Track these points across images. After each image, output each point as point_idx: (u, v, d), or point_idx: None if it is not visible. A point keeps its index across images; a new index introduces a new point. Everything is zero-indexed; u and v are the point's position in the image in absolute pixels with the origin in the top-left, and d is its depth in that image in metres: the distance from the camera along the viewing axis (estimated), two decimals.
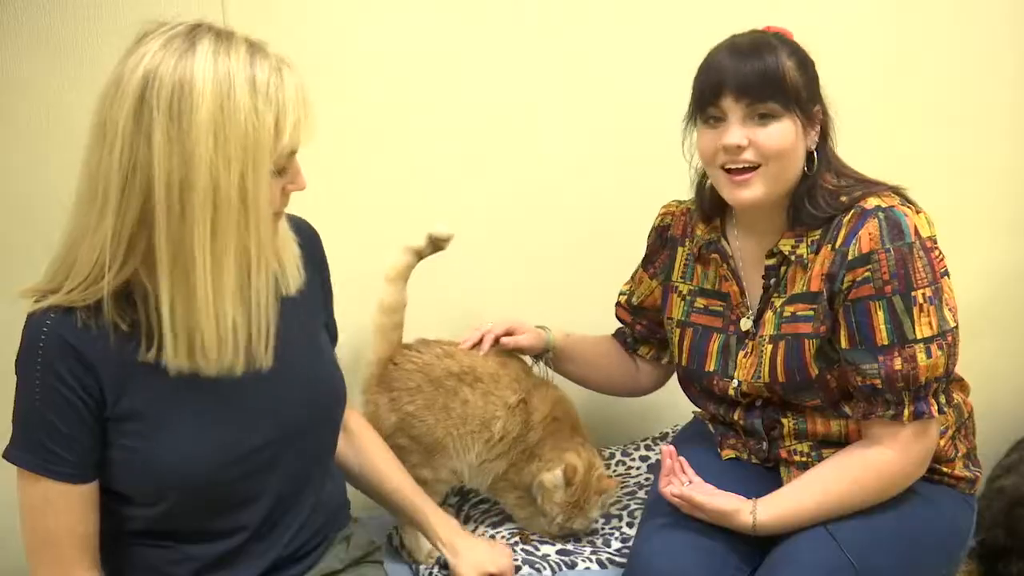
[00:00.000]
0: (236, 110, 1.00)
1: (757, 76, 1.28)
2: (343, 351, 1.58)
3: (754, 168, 1.30)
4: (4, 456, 1.12)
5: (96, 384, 1.09)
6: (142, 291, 1.08)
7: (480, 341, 1.58)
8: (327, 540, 1.31)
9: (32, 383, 1.09)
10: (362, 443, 1.43)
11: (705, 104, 1.32)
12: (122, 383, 1.10)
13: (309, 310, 1.27)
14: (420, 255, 1.54)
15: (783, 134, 1.29)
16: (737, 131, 1.29)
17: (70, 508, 1.12)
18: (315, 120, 1.08)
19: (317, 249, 1.32)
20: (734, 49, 1.31)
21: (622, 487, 1.73)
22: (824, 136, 1.36)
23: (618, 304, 1.67)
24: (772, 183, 1.31)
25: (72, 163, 1.26)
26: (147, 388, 1.11)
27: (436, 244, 1.52)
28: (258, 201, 1.03)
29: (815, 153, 1.34)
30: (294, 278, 1.20)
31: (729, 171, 1.32)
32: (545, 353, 1.64)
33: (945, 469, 1.40)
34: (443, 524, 1.43)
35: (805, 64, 1.33)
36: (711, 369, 1.46)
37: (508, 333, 1.60)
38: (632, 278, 1.64)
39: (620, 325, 1.69)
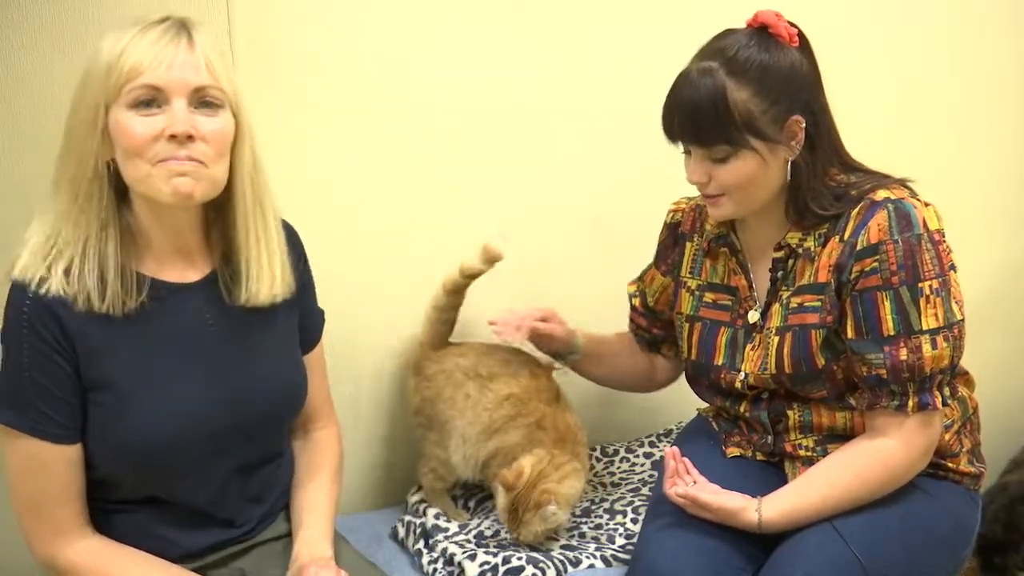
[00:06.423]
0: (99, 59, 1.11)
1: (697, 126, 1.29)
2: (336, 348, 1.57)
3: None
4: None
5: (73, 351, 1.13)
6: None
7: (518, 327, 1.54)
8: (273, 512, 1.35)
9: (20, 347, 1.12)
10: (310, 461, 1.40)
11: (671, 139, 1.35)
12: (94, 354, 1.14)
13: (287, 312, 1.30)
14: (472, 275, 1.57)
15: (739, 170, 1.31)
16: (697, 169, 1.34)
17: (63, 469, 1.15)
18: (171, 54, 1.10)
19: (299, 247, 1.35)
20: (684, 84, 1.29)
21: (626, 484, 1.73)
22: (816, 137, 1.33)
23: (633, 310, 1.66)
24: (740, 205, 1.35)
25: None
26: (114, 362, 1.15)
27: (485, 261, 1.55)
28: (118, 132, 1.10)
29: (796, 162, 1.32)
30: (287, 285, 1.26)
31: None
32: (571, 355, 1.63)
33: (950, 465, 1.40)
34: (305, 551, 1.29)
35: (766, 79, 1.28)
36: (720, 363, 1.46)
37: (544, 319, 1.58)
38: (640, 278, 1.64)
39: (635, 327, 1.68)
